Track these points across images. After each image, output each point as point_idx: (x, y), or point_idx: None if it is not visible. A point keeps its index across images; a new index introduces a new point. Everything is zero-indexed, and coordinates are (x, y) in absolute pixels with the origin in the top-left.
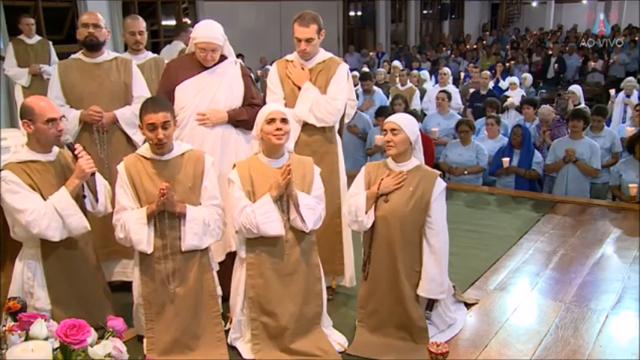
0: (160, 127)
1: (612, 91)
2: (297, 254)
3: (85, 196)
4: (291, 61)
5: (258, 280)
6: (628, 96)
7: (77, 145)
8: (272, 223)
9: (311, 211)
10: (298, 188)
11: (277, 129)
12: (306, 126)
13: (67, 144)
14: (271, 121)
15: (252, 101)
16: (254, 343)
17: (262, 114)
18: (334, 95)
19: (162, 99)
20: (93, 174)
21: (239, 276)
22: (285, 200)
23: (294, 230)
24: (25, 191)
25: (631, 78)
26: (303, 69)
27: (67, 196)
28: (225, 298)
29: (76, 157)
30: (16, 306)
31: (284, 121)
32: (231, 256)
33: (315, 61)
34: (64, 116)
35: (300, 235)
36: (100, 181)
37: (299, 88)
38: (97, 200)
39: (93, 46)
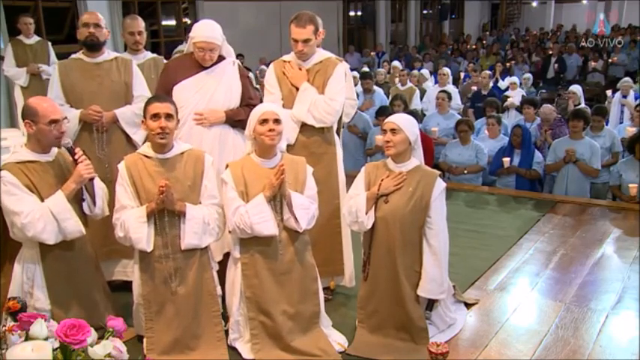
0: (164, 116)
1: (609, 92)
2: (291, 254)
3: (83, 200)
4: (289, 62)
5: (253, 280)
6: (625, 96)
7: (77, 150)
8: (266, 223)
9: (304, 211)
10: (291, 188)
11: (270, 129)
12: (304, 127)
13: (67, 148)
14: (264, 121)
15: (250, 102)
16: (254, 342)
17: (255, 114)
18: (332, 96)
19: (167, 96)
20: (92, 179)
21: (233, 276)
22: (278, 200)
23: (287, 230)
24: (22, 193)
25: (627, 78)
26: (300, 69)
27: (63, 199)
28: (225, 298)
29: (75, 162)
30: (16, 306)
31: (277, 121)
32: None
33: (312, 61)
34: (66, 118)
35: (294, 235)
36: (98, 185)
37: (297, 89)
38: (94, 204)
39: (93, 46)
